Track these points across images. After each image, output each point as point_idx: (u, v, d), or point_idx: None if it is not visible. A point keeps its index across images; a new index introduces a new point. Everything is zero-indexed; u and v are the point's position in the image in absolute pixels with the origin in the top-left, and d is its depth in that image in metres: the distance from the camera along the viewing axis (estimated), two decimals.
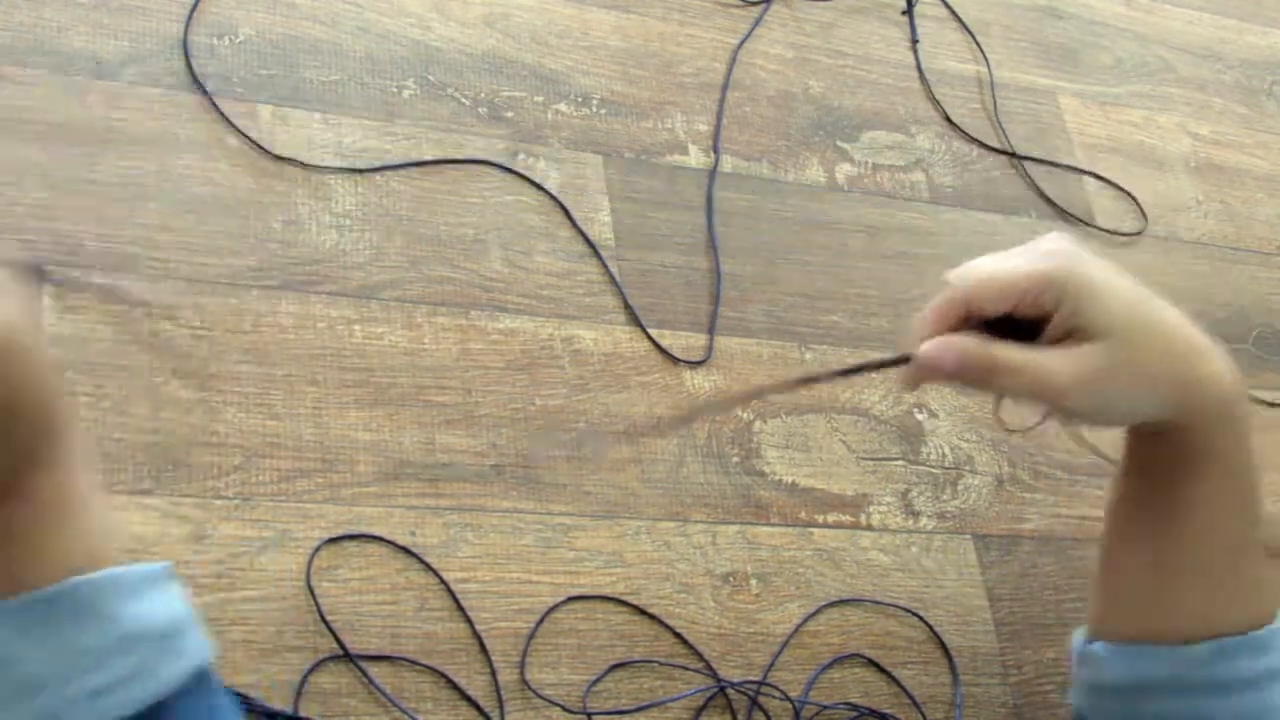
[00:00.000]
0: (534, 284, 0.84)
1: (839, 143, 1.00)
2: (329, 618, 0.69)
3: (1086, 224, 1.05)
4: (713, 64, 0.99)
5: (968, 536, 0.85)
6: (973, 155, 1.05)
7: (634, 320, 0.85)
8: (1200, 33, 1.23)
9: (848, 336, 0.90)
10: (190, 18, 0.84)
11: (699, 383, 0.84)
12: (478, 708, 0.70)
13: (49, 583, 0.46)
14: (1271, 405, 1.01)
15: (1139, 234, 1.06)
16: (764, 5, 1.04)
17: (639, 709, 0.72)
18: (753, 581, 0.79)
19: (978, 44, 1.11)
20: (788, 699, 0.75)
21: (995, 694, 0.80)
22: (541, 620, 0.73)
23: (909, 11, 1.09)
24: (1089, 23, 1.18)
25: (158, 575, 0.49)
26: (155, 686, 0.46)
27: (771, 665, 0.76)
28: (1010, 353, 0.57)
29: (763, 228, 0.93)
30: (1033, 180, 1.05)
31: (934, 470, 0.87)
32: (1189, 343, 0.59)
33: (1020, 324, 0.58)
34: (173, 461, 0.70)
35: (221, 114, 0.82)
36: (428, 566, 0.72)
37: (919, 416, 0.89)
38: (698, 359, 0.85)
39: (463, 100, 0.89)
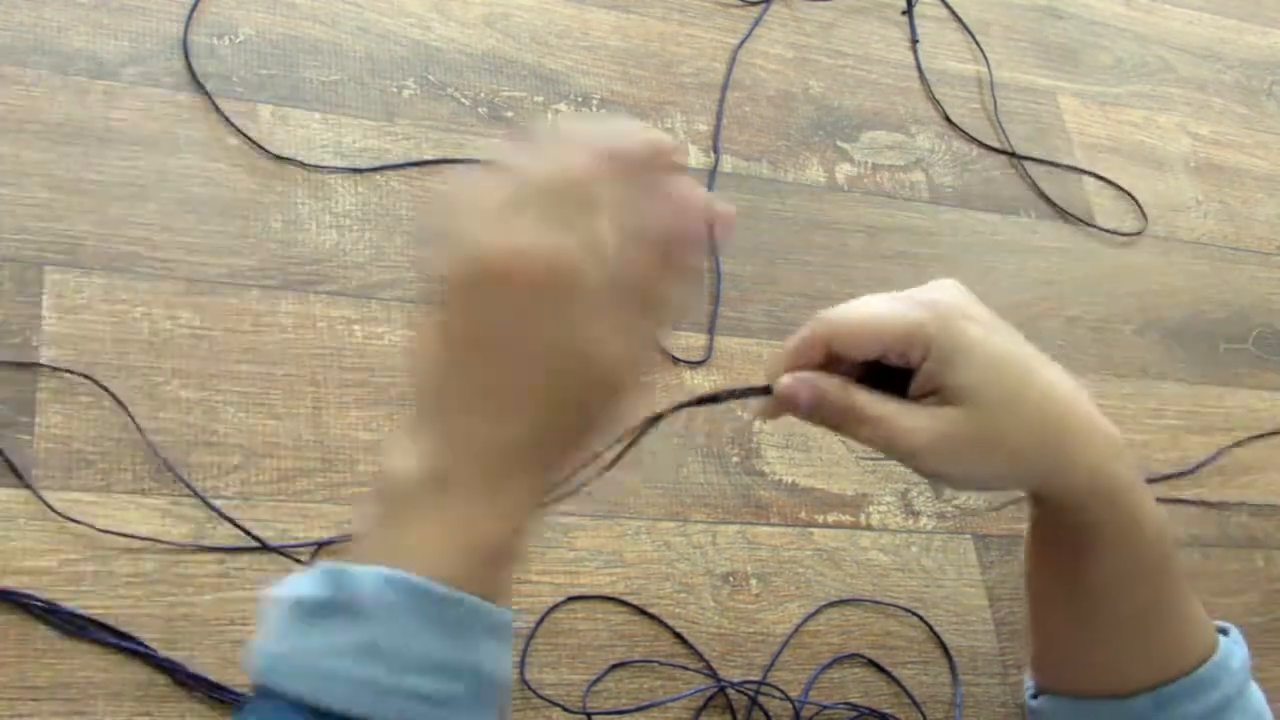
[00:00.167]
0: None
1: (839, 143, 1.00)
2: None
3: (1086, 224, 1.05)
4: (713, 64, 0.99)
5: (968, 536, 0.85)
6: (973, 155, 1.05)
7: None
8: (1200, 33, 1.23)
9: None
10: (190, 18, 0.84)
11: (699, 383, 0.84)
12: None
13: None
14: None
15: (1139, 234, 1.06)
16: (764, 5, 1.04)
17: (639, 709, 0.72)
18: (753, 581, 0.79)
19: (978, 44, 1.11)
20: (788, 699, 0.75)
21: (995, 694, 0.80)
22: (541, 620, 0.73)
23: (909, 11, 1.09)
24: (1089, 23, 1.18)
25: (509, 627, 0.49)
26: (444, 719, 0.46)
27: (771, 665, 0.76)
28: (869, 402, 0.55)
29: (763, 228, 0.93)
30: (1033, 180, 1.05)
31: None
32: (1061, 418, 0.56)
33: (894, 371, 0.57)
34: (172, 461, 0.70)
35: (221, 114, 0.82)
36: None
37: None
38: (698, 359, 0.85)
39: (463, 100, 0.89)
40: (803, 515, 0.82)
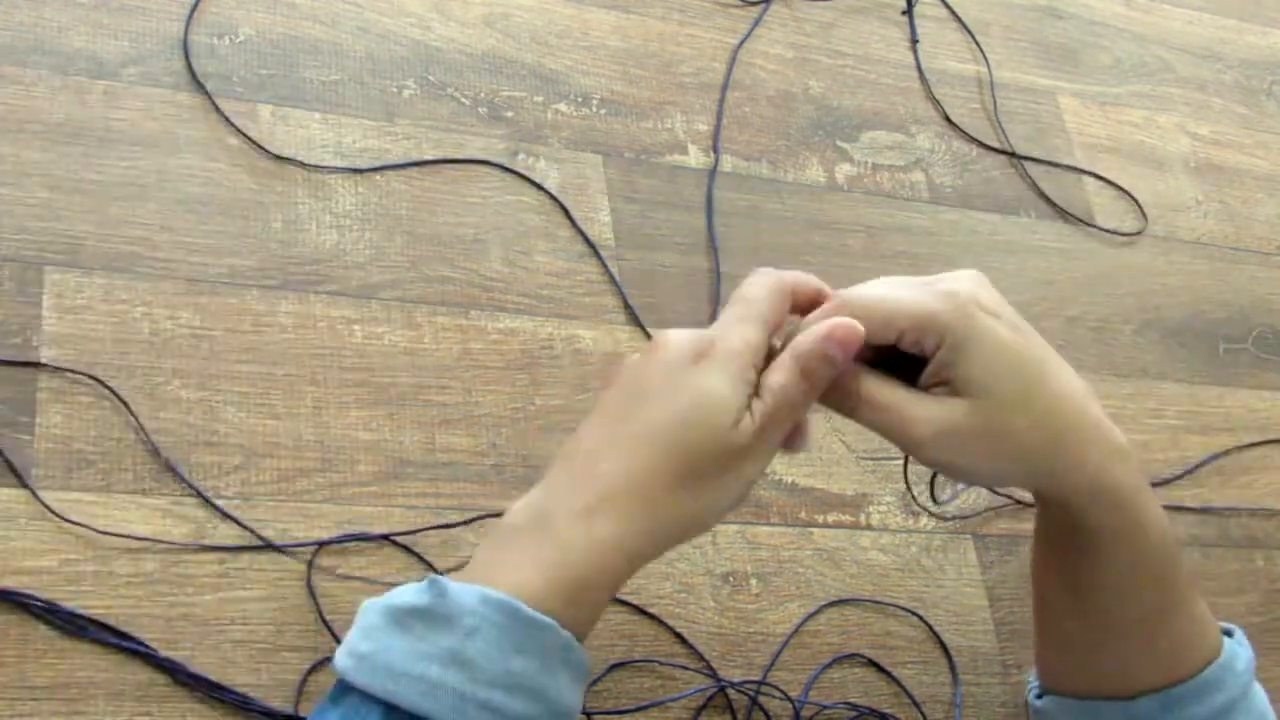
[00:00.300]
0: (534, 284, 0.84)
1: (839, 143, 1.00)
2: (329, 618, 0.69)
3: (1086, 224, 1.05)
4: (712, 64, 0.99)
5: (968, 536, 0.85)
6: (972, 155, 1.05)
7: (634, 320, 0.85)
8: (1200, 33, 1.23)
9: None
10: (190, 17, 0.84)
11: None
12: None
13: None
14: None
15: (1139, 234, 1.06)
16: (764, 5, 1.04)
17: (639, 709, 0.72)
18: (753, 581, 0.79)
19: (978, 44, 1.11)
20: (788, 699, 0.75)
21: (995, 694, 0.80)
22: None
23: (909, 11, 1.09)
24: (1089, 23, 1.18)
25: (590, 669, 0.51)
26: None
27: (771, 665, 0.76)
28: (876, 388, 0.55)
29: (763, 228, 0.93)
30: (1033, 180, 1.05)
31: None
32: (1068, 419, 0.56)
33: (906, 357, 0.56)
34: (173, 461, 0.70)
35: (221, 114, 0.82)
36: (429, 566, 0.72)
37: None
38: None
39: (463, 100, 0.89)
40: (803, 515, 0.82)
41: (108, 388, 0.71)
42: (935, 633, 0.81)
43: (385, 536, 0.72)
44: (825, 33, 1.06)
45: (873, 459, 0.86)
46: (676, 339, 0.53)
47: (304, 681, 0.67)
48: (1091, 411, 0.57)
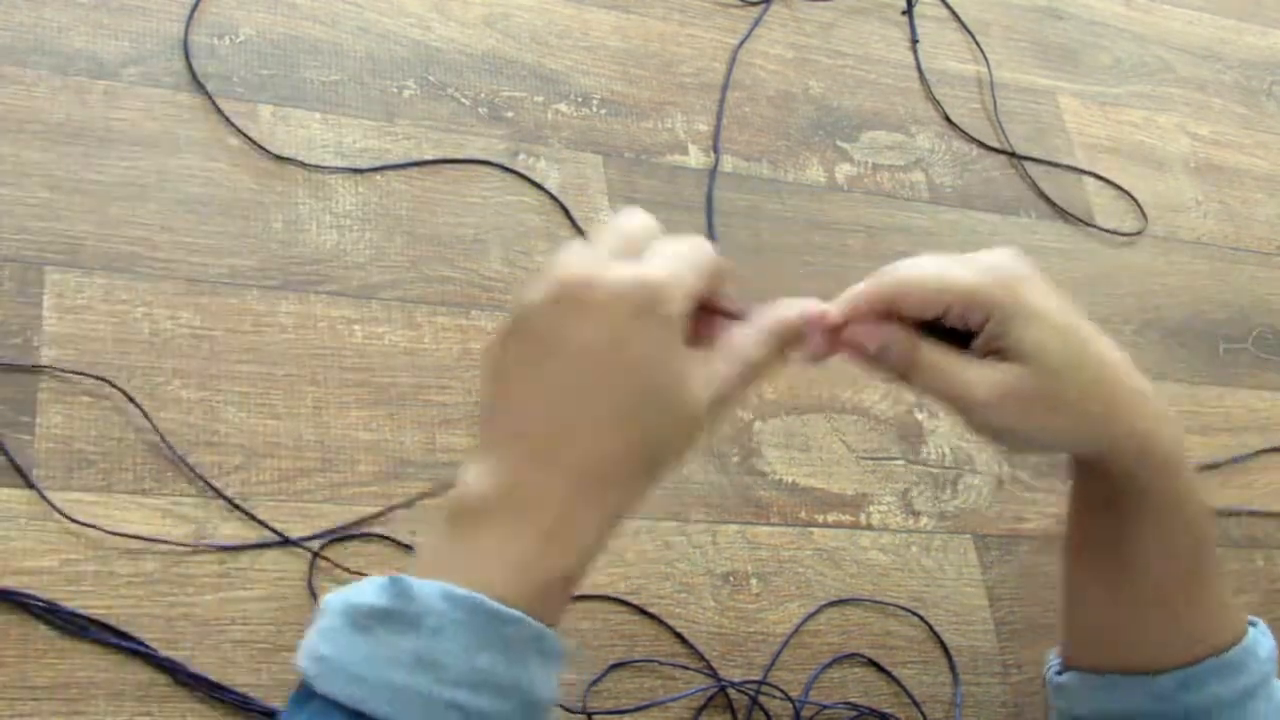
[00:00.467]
0: None
1: (839, 143, 1.00)
2: None
3: (1086, 224, 1.05)
4: (713, 64, 0.99)
5: (968, 536, 0.86)
6: (972, 155, 1.05)
7: None
8: (1200, 33, 1.23)
9: None
10: (191, 18, 0.84)
11: None
12: None
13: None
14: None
15: (1139, 234, 1.06)
16: (764, 5, 1.04)
17: (639, 709, 0.72)
18: (753, 581, 0.79)
19: (978, 44, 1.11)
20: (788, 698, 0.75)
21: (995, 694, 0.80)
22: None
23: (909, 11, 1.09)
24: (1089, 23, 1.18)
25: (566, 655, 0.49)
26: None
27: (772, 665, 0.76)
28: (936, 353, 0.56)
29: (763, 228, 0.93)
30: (1033, 180, 1.05)
31: (934, 470, 0.87)
32: (1117, 384, 0.58)
33: (950, 333, 0.57)
34: (173, 461, 0.70)
35: (222, 114, 0.82)
36: None
37: (919, 416, 0.89)
38: None
39: (463, 100, 0.89)
40: (803, 515, 0.82)
41: (114, 385, 0.71)
42: (935, 632, 0.81)
43: (386, 536, 0.72)
44: (825, 33, 1.06)
45: (873, 459, 0.86)
46: (612, 289, 0.48)
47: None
48: (1136, 376, 0.59)
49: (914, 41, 1.08)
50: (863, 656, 0.79)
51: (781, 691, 0.75)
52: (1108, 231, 1.05)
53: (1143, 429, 0.58)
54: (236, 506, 0.70)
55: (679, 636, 0.75)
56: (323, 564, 0.70)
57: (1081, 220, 1.05)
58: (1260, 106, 1.21)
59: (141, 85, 0.81)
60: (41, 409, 0.69)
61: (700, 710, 0.74)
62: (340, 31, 0.88)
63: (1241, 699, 0.60)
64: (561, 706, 0.71)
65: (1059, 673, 0.66)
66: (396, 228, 0.82)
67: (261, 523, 0.70)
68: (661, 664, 0.74)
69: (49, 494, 0.67)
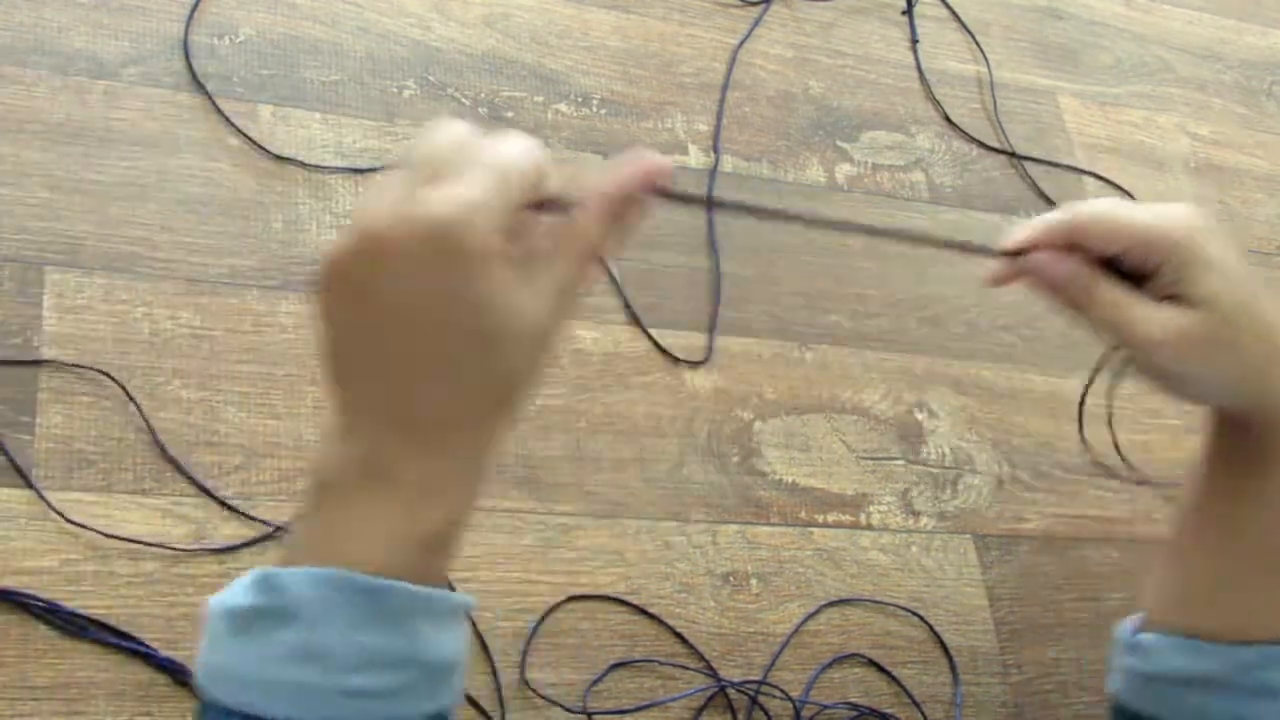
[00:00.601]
0: None
1: (839, 143, 1.00)
2: None
3: None
4: (713, 64, 0.99)
5: (968, 536, 0.85)
6: (972, 155, 1.05)
7: (635, 320, 0.85)
8: (1200, 33, 1.23)
9: (849, 336, 0.90)
10: (191, 18, 0.84)
11: (699, 382, 0.84)
12: (478, 707, 0.70)
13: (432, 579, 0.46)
14: None
15: None
16: (764, 5, 1.04)
17: (639, 709, 0.72)
18: (753, 581, 0.79)
19: (978, 44, 1.11)
20: (788, 699, 0.75)
21: (995, 694, 0.80)
22: (542, 620, 0.73)
23: (909, 11, 1.09)
24: (1089, 23, 1.18)
25: (463, 609, 0.48)
26: (397, 712, 0.45)
27: (772, 665, 0.76)
28: (1112, 289, 0.57)
29: (763, 228, 0.93)
30: (1033, 180, 1.05)
31: (934, 470, 0.87)
32: None
33: (1127, 276, 0.58)
34: (173, 461, 0.70)
35: (222, 114, 0.82)
36: None
37: (919, 416, 0.89)
38: (698, 359, 0.85)
39: (463, 100, 0.89)
40: (803, 515, 0.82)
41: (114, 384, 0.71)
42: (935, 632, 0.81)
43: None
44: (825, 33, 1.06)
45: (873, 459, 0.86)
46: (410, 233, 0.43)
47: None
48: None
49: (914, 41, 1.08)
50: (863, 656, 0.79)
51: (782, 691, 0.75)
52: None
53: None
54: (232, 509, 0.70)
55: (679, 636, 0.75)
56: None
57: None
58: (1260, 106, 1.21)
59: (141, 85, 0.81)
60: (41, 409, 0.69)
61: (700, 710, 0.74)
62: (340, 31, 0.88)
63: None
64: (562, 706, 0.71)
65: (1134, 634, 0.65)
66: None
67: (262, 522, 0.70)
68: (661, 664, 0.74)
69: (49, 494, 0.67)
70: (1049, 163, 1.07)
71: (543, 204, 0.47)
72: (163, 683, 0.65)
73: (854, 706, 0.77)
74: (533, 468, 0.77)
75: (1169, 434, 0.96)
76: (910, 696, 0.78)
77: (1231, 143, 1.16)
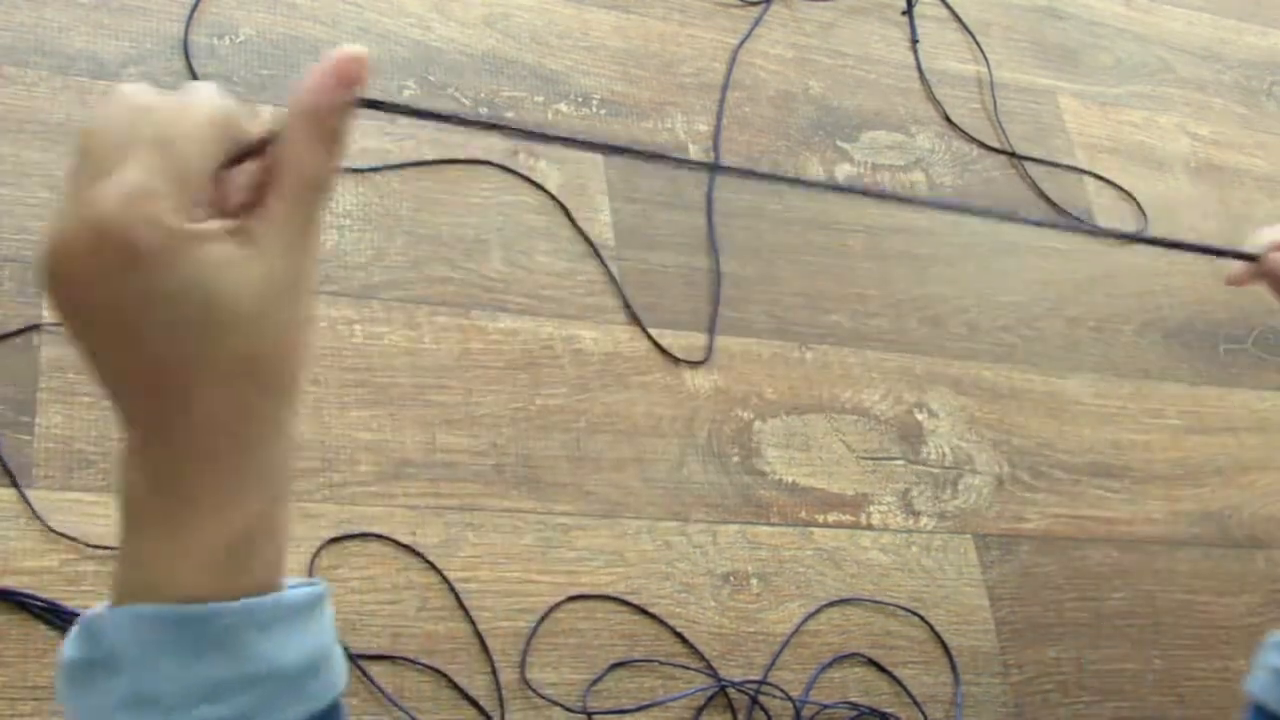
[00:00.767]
0: (534, 284, 0.84)
1: (839, 143, 1.00)
2: None
3: (1087, 224, 1.05)
4: (713, 64, 0.99)
5: (968, 536, 0.85)
6: (973, 155, 1.05)
7: (634, 320, 0.85)
8: (1200, 33, 1.23)
9: (849, 336, 0.90)
10: (191, 18, 0.84)
11: (699, 382, 0.84)
12: (478, 707, 0.70)
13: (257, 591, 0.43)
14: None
15: (1139, 234, 1.06)
16: (764, 5, 1.04)
17: (639, 708, 0.72)
18: (753, 581, 0.79)
19: (978, 44, 1.11)
20: (788, 698, 0.75)
21: (996, 693, 0.80)
22: (542, 620, 0.73)
23: (909, 12, 1.09)
24: (1089, 23, 1.18)
25: (306, 604, 0.44)
26: None
27: (772, 665, 0.76)
28: None
29: (763, 228, 0.93)
30: (1033, 180, 1.05)
31: (934, 470, 0.87)
32: None
33: None
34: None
35: None
36: (430, 565, 0.72)
37: (919, 416, 0.89)
38: (698, 359, 0.85)
39: (463, 100, 0.89)
40: (803, 515, 0.82)
41: None
42: (936, 632, 0.81)
43: (386, 536, 0.72)
44: (825, 33, 1.06)
45: (873, 459, 0.86)
46: (85, 253, 0.38)
47: None
48: None
49: (914, 41, 1.08)
50: (863, 656, 0.79)
51: (782, 691, 0.75)
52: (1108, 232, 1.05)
53: None
54: None
55: (679, 636, 0.75)
56: (322, 564, 0.70)
57: (1082, 220, 1.05)
58: (1260, 106, 1.21)
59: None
60: (41, 409, 0.69)
61: (701, 710, 0.74)
62: (340, 32, 0.88)
63: None
64: (562, 706, 0.71)
65: None
66: (397, 228, 0.82)
67: None
68: (662, 664, 0.74)
69: (49, 494, 0.67)
70: (1049, 163, 1.07)
71: (246, 153, 0.41)
72: None
73: (854, 706, 0.77)
74: (532, 468, 0.77)
75: (1169, 434, 0.96)
76: (910, 696, 0.78)
77: (1231, 143, 1.16)
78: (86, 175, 0.38)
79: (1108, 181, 1.08)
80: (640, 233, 0.89)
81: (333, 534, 0.71)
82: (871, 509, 0.84)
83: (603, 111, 0.93)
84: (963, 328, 0.95)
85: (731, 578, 0.78)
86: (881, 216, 0.98)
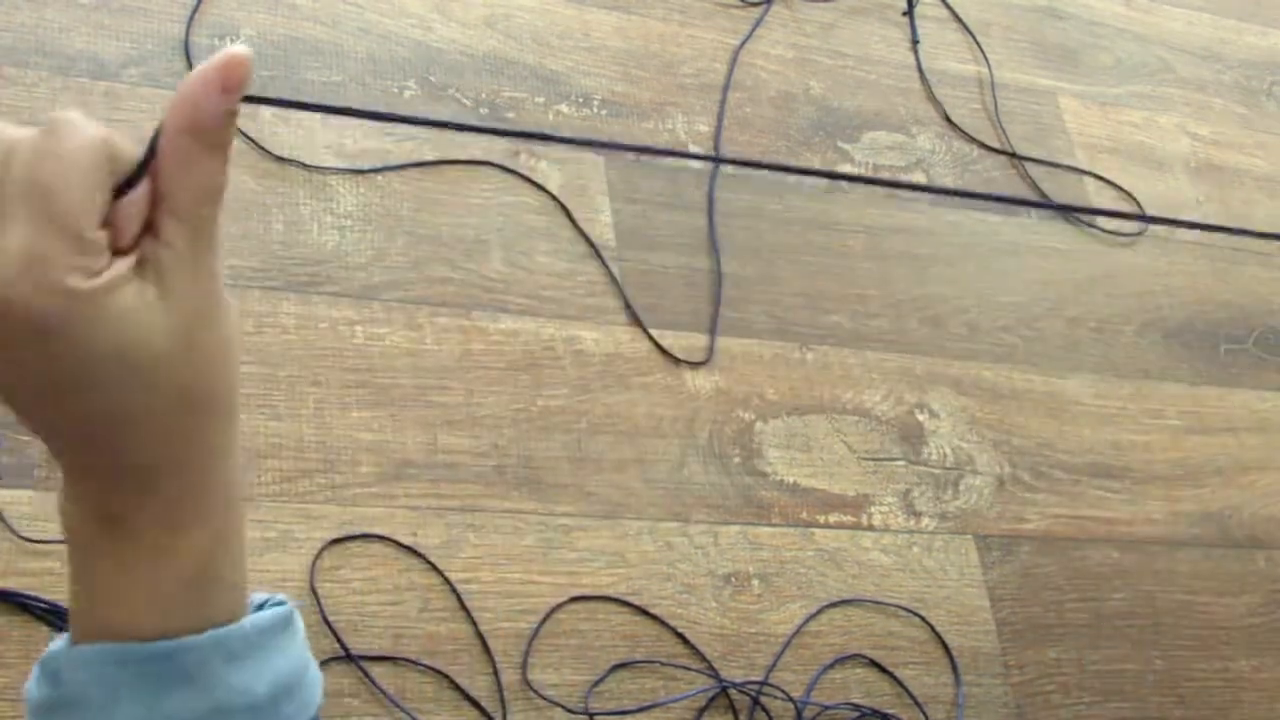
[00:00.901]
0: (535, 284, 0.84)
1: (839, 143, 1.00)
2: (331, 618, 0.69)
3: (1087, 224, 1.05)
4: (713, 65, 0.99)
5: (969, 537, 0.86)
6: (973, 155, 1.05)
7: (635, 321, 0.85)
8: (1200, 33, 1.23)
9: (849, 336, 0.90)
10: (192, 19, 0.84)
11: (700, 383, 0.84)
12: (480, 709, 0.70)
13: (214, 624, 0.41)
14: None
15: (1139, 234, 1.06)
16: (764, 6, 1.04)
17: (641, 709, 0.72)
18: (754, 582, 0.79)
19: (978, 44, 1.11)
20: (790, 699, 0.75)
21: (997, 694, 0.80)
22: (544, 620, 0.73)
23: (909, 12, 1.09)
24: (1089, 23, 1.19)
25: (275, 626, 0.43)
26: None
27: (773, 665, 0.76)
28: None
29: (763, 228, 0.93)
30: (1033, 180, 1.05)
31: (935, 471, 0.87)
32: None
33: None
34: None
35: None
36: (431, 566, 0.72)
37: (920, 416, 0.89)
38: (699, 359, 0.85)
39: (464, 101, 0.89)
40: (804, 516, 0.82)
41: None
42: (937, 633, 0.81)
43: (387, 537, 0.72)
44: (826, 33, 1.06)
45: (874, 460, 0.86)
46: None
47: None
48: None
49: (914, 42, 1.08)
50: (864, 657, 0.79)
51: (783, 692, 0.75)
52: (1108, 232, 1.05)
53: None
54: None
55: (681, 637, 0.75)
56: (324, 565, 0.70)
57: (1082, 220, 1.05)
58: (1260, 106, 1.21)
59: (143, 86, 0.81)
60: None
61: (702, 711, 0.74)
62: (341, 32, 0.88)
63: None
64: (563, 707, 0.71)
65: None
66: (397, 228, 0.82)
67: (264, 523, 0.70)
68: (663, 665, 0.74)
69: (50, 495, 0.67)
70: (1049, 163, 1.07)
71: (132, 179, 0.38)
72: None
73: (856, 707, 0.77)
74: (533, 469, 0.77)
75: (1169, 434, 0.96)
76: (912, 697, 0.78)
77: (1231, 143, 1.16)
78: None
79: (1108, 181, 1.08)
80: (641, 233, 0.89)
81: (334, 535, 0.71)
82: (872, 510, 0.84)
83: (604, 112, 0.93)
84: (963, 328, 0.95)
85: (733, 578, 0.78)
86: (881, 217, 0.98)
